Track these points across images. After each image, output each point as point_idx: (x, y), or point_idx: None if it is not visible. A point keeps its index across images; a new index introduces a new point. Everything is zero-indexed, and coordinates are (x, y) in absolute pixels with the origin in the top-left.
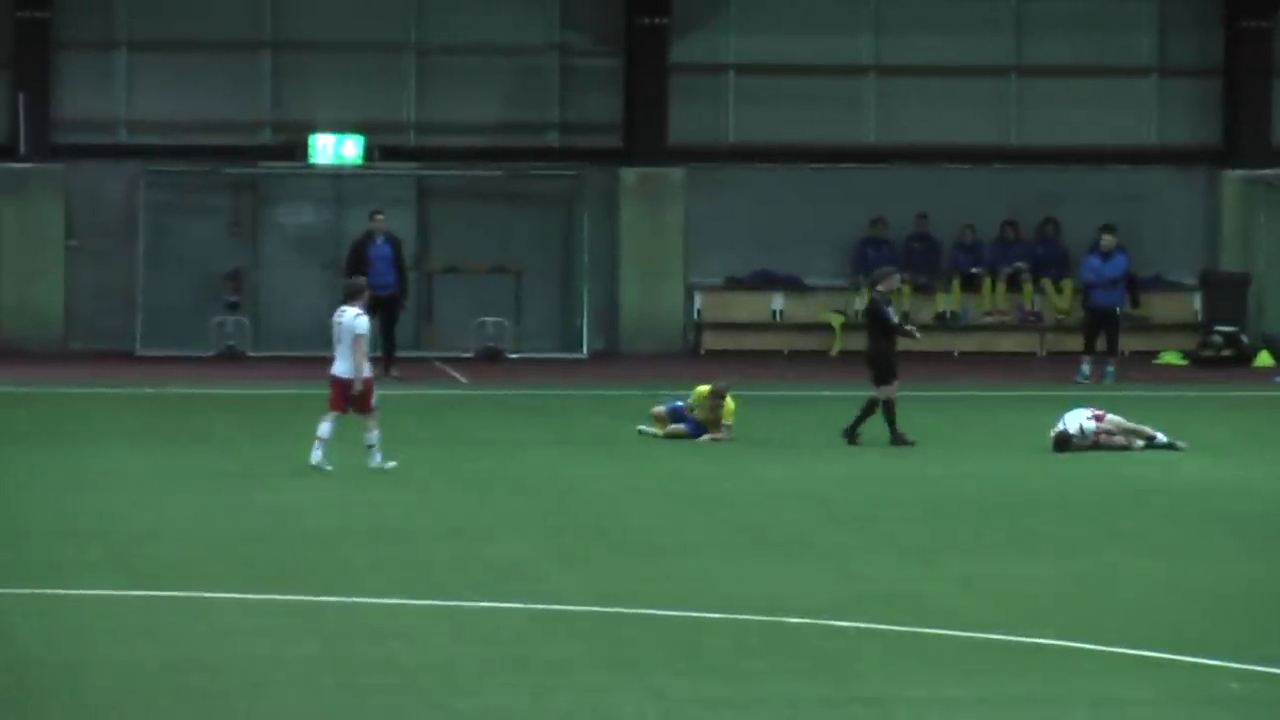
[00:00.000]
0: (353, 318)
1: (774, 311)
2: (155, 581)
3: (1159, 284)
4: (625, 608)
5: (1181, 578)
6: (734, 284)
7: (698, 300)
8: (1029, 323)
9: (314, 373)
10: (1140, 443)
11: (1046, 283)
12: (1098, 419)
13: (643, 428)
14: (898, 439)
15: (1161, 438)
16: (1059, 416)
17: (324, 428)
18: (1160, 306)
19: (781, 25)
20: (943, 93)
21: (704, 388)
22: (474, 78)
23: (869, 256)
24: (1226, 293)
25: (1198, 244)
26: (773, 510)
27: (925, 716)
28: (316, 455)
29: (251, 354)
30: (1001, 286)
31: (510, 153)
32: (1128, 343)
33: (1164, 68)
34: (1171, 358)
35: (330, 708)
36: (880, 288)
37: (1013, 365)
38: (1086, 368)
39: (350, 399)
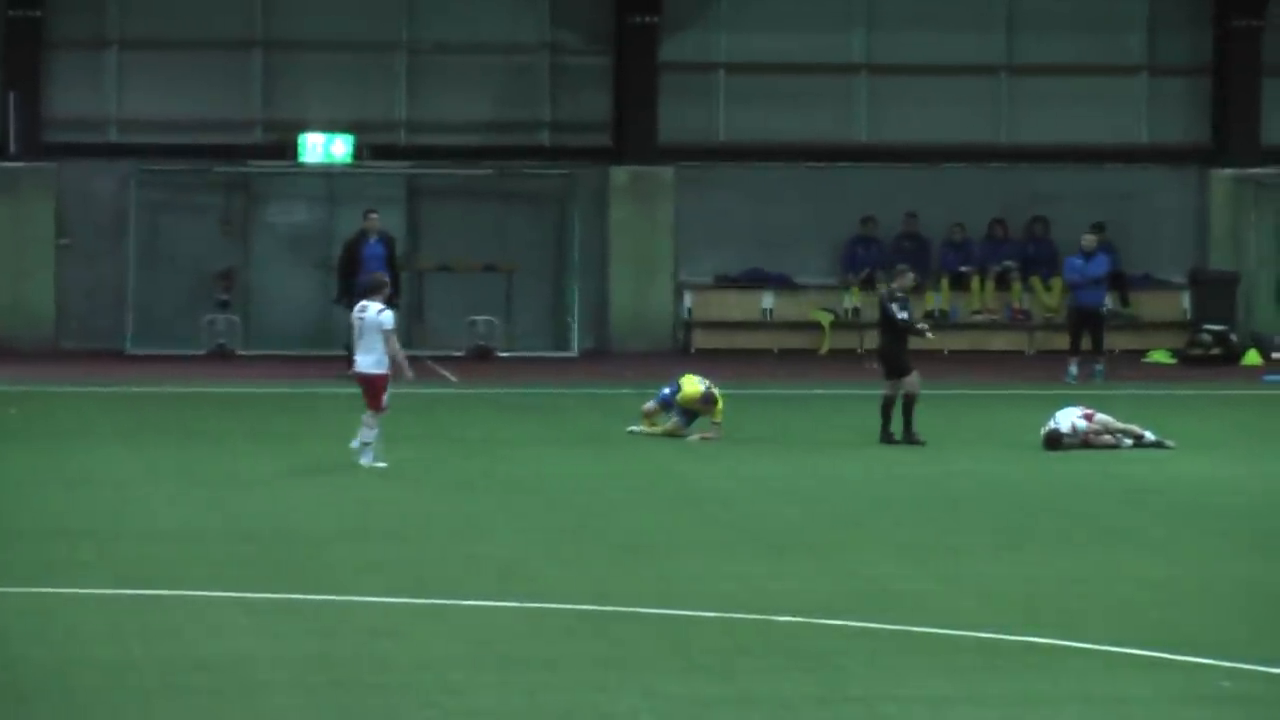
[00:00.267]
0: (377, 313)
1: (764, 310)
2: (147, 580)
3: (1148, 283)
4: (617, 606)
5: (1172, 576)
6: (724, 283)
7: (688, 299)
8: (1018, 321)
9: (305, 371)
10: (1129, 441)
11: (1035, 281)
12: (1087, 418)
13: (633, 428)
14: (886, 436)
15: (1150, 436)
16: (1050, 415)
17: (368, 433)
18: (1149, 305)
19: (772, 24)
20: (933, 91)
21: (693, 386)
22: (465, 76)
23: (859, 255)
24: (1216, 291)
25: (1187, 243)
26: (764, 509)
27: (916, 715)
28: (365, 458)
29: (242, 352)
30: (991, 285)
31: (501, 151)
32: (1117, 341)
33: (1154, 66)
34: (1161, 356)
35: (322, 706)
36: (893, 285)
37: (1002, 364)
38: (1074, 369)
39: (370, 395)
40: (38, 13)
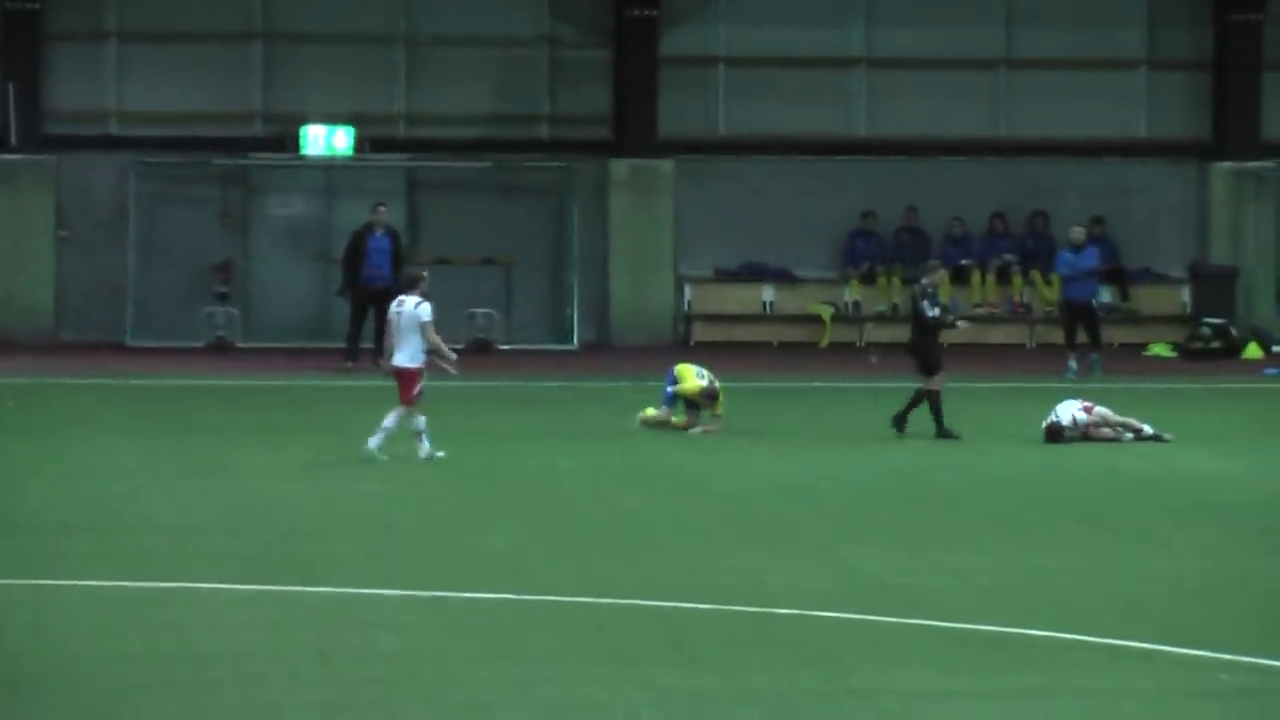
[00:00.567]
0: (414, 307)
1: (764, 303)
2: (146, 573)
3: (1148, 277)
4: (615, 599)
5: (1172, 570)
6: (724, 276)
7: (688, 292)
8: (1018, 315)
9: (304, 364)
10: (1129, 435)
11: (1035, 275)
12: (1087, 410)
13: (640, 416)
14: (943, 432)
15: (1148, 430)
16: (1051, 408)
17: (418, 421)
18: (1149, 299)
19: (771, 17)
20: (932, 85)
21: (693, 380)
22: (464, 70)
23: (859, 249)
24: (1215, 285)
25: (1187, 236)
26: (763, 502)
27: (914, 708)
28: (424, 448)
29: (241, 345)
30: (991, 279)
31: (500, 145)
32: (1116, 335)
33: (1153, 61)
34: (1161, 350)
35: (320, 699)
36: (924, 281)
37: (1002, 357)
38: (1074, 363)
39: (403, 387)
40: (37, 5)
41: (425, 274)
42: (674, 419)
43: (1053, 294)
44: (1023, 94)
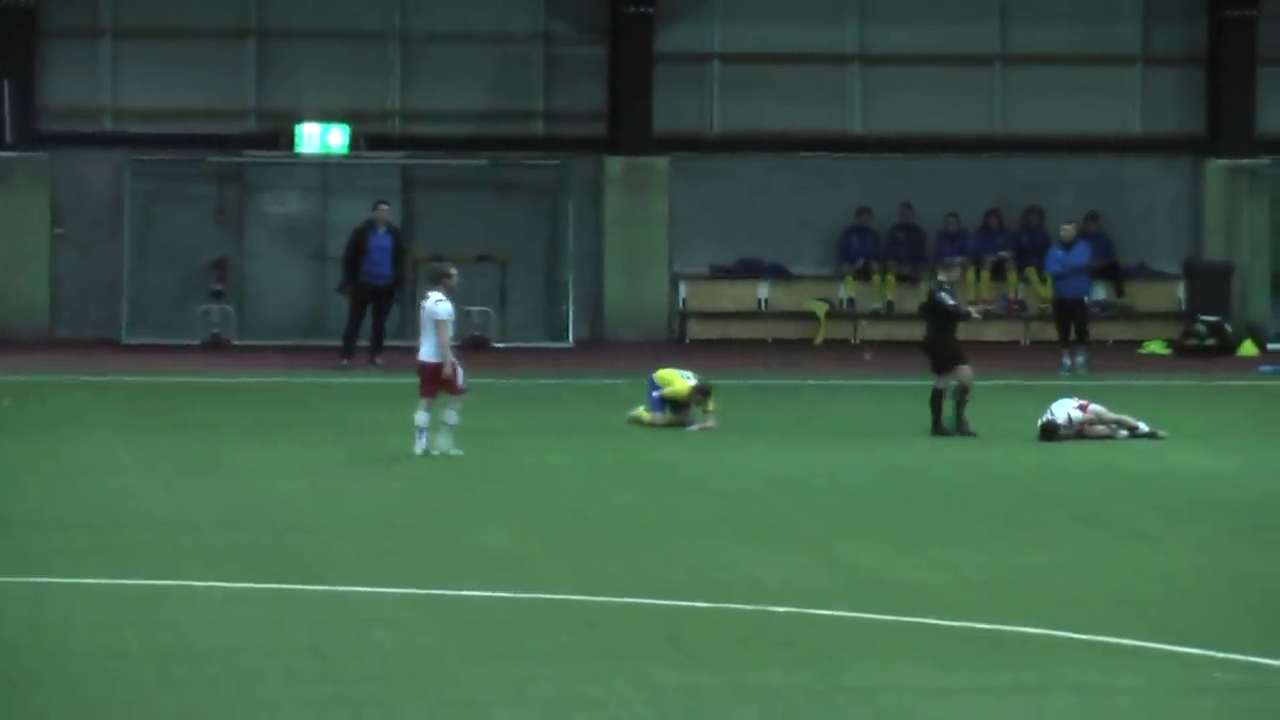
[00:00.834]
0: (434, 303)
1: (759, 300)
2: (141, 570)
3: (1143, 273)
4: (611, 596)
5: (1166, 567)
6: (719, 273)
7: (683, 289)
8: (1013, 311)
9: (299, 361)
10: (1124, 432)
11: (1030, 271)
12: (1082, 408)
13: (633, 415)
14: (938, 429)
15: (1143, 427)
16: (1047, 406)
17: (420, 416)
18: (1144, 296)
19: (766, 14)
20: (927, 81)
21: (680, 382)
22: (459, 67)
23: (854, 245)
24: (1210, 282)
25: (1182, 233)
26: (758, 499)
27: (910, 705)
28: (420, 444)
29: (237, 342)
30: (986, 275)
31: (495, 142)
32: (1111, 332)
33: (1148, 56)
34: (1156, 347)
35: (316, 696)
36: (941, 277)
37: (997, 354)
38: (1068, 360)
39: (439, 382)
40: (31, 2)
41: (452, 271)
42: (665, 418)
43: (1047, 291)
44: (1018, 90)
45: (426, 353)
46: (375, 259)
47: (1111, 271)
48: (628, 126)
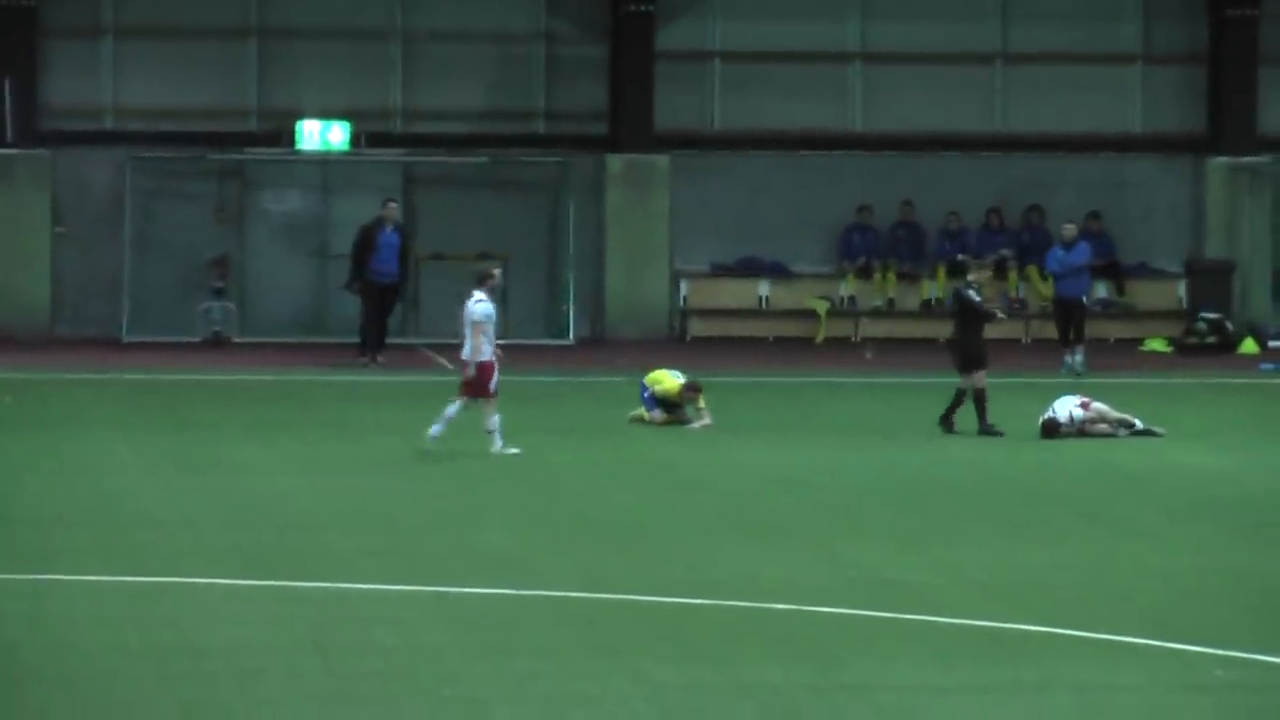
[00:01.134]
0: (473, 303)
1: (760, 298)
2: (142, 567)
3: (1144, 271)
4: (611, 594)
5: (1167, 565)
6: (720, 270)
7: (683, 287)
8: (1014, 310)
9: (300, 359)
10: (1124, 431)
11: (1032, 270)
12: (1084, 406)
13: (634, 414)
14: (986, 429)
15: (1139, 424)
16: (1048, 404)
17: (450, 409)
18: (1145, 294)
19: (767, 12)
20: (928, 80)
21: (670, 380)
22: (460, 65)
23: (855, 243)
24: (1211, 280)
25: (1183, 231)
26: (759, 497)
27: (910, 703)
28: (434, 430)
29: (237, 340)
30: (987, 274)
31: (496, 140)
32: (1112, 330)
33: (1149, 55)
34: (1157, 345)
35: (316, 693)
36: (971, 276)
37: (998, 352)
38: (1069, 359)
39: (470, 384)
40: (33, 1)
41: (495, 271)
42: (661, 416)
43: (1048, 289)
44: (1018, 89)
45: (466, 352)
46: (384, 257)
47: (1112, 270)
48: (628, 124)
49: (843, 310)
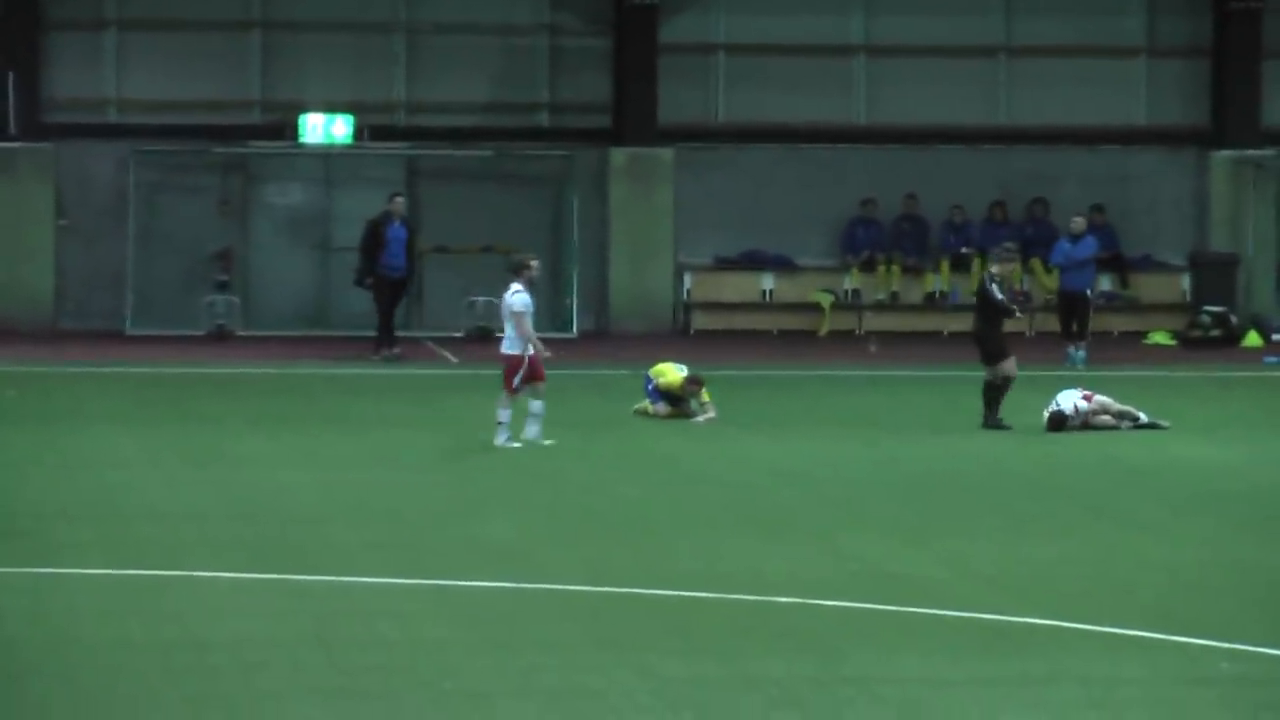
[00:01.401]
0: (511, 294)
1: (764, 291)
2: (145, 561)
3: (1148, 264)
4: (614, 587)
5: (1171, 558)
6: (723, 264)
7: (687, 280)
8: (1018, 303)
9: (303, 352)
10: (1128, 423)
11: (1036, 263)
12: (1087, 399)
13: (639, 407)
14: (993, 422)
15: (1144, 417)
16: (1052, 397)
17: (501, 413)
18: (1149, 287)
19: (771, 5)
20: (932, 73)
21: (673, 374)
22: (464, 58)
23: (859, 237)
24: (1215, 273)
25: (1187, 225)
26: (763, 490)
27: (914, 696)
28: (500, 438)
29: (241, 333)
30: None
31: (500, 133)
32: (1116, 323)
33: (1153, 49)
34: (1160, 338)
35: (319, 686)
36: (993, 269)
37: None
38: (1072, 351)
39: (526, 372)
40: None
41: (532, 262)
42: (665, 409)
43: (1053, 282)
44: (1022, 82)
45: (506, 345)
46: (393, 251)
47: (1116, 263)
48: (632, 117)
49: (846, 304)
